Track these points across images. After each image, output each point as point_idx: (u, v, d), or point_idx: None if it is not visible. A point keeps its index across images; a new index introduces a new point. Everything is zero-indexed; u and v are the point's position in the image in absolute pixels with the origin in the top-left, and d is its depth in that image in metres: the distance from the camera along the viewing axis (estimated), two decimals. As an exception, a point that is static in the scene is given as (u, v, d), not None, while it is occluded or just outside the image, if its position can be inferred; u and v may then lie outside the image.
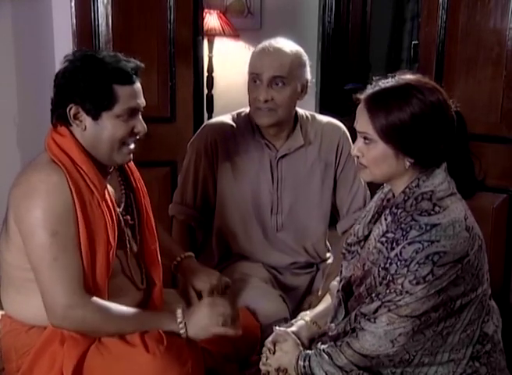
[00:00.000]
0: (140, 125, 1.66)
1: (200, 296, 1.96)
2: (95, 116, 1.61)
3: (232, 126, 2.22)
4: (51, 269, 1.55)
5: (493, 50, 2.60)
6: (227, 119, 2.25)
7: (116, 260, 1.69)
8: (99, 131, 1.62)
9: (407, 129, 1.47)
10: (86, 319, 1.58)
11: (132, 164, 1.84)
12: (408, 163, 1.51)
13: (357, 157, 1.56)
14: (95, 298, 1.59)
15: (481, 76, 2.63)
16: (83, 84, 1.59)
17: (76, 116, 1.61)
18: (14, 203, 1.60)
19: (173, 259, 1.96)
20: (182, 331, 1.64)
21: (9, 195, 1.62)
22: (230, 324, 1.65)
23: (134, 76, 1.63)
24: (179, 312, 1.66)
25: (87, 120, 1.62)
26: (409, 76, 1.54)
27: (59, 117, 1.64)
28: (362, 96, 1.54)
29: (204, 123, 2.37)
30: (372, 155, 1.52)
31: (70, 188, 1.57)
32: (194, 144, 2.25)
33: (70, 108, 1.60)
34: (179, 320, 1.64)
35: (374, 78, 1.56)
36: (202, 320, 1.65)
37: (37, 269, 1.57)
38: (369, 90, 1.54)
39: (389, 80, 1.53)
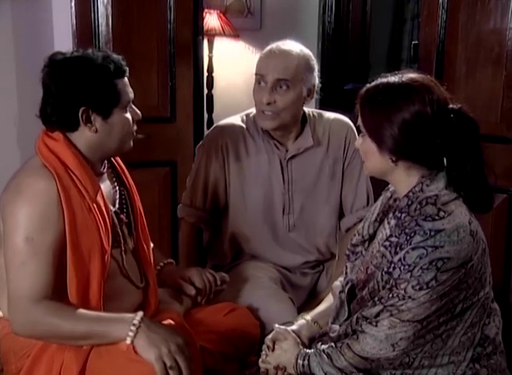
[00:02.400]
0: (137, 111, 1.72)
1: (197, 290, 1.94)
2: (106, 114, 1.63)
3: (242, 127, 2.21)
4: (17, 272, 1.55)
5: (493, 50, 2.60)
6: (237, 120, 2.24)
7: (113, 261, 1.68)
8: (110, 129, 1.64)
9: (392, 133, 1.47)
10: (37, 322, 1.55)
11: (121, 162, 1.84)
12: (390, 160, 1.51)
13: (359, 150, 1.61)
14: (50, 301, 1.56)
15: (481, 76, 2.63)
16: (91, 86, 1.60)
17: (88, 119, 1.62)
18: (2, 207, 1.59)
19: (155, 265, 1.95)
20: (130, 333, 1.54)
21: (0, 200, 1.61)
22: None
23: (127, 69, 1.68)
24: (139, 314, 1.59)
25: (98, 121, 1.63)
26: (410, 75, 1.53)
27: (62, 123, 1.63)
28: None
29: (214, 125, 2.35)
30: (363, 148, 1.57)
31: (59, 194, 1.56)
32: (205, 147, 2.24)
33: (83, 112, 1.61)
34: (134, 322, 1.55)
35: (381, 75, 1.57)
36: (164, 332, 1.57)
37: (6, 272, 1.57)
38: (366, 86, 1.55)
39: (388, 78, 1.54)
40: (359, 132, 1.59)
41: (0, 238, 1.62)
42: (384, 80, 1.53)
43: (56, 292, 1.57)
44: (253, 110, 2.21)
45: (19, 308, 1.55)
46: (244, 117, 2.24)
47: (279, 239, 2.22)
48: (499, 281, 2.65)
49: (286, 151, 2.18)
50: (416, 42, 3.51)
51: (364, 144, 1.55)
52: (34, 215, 1.54)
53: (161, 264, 1.97)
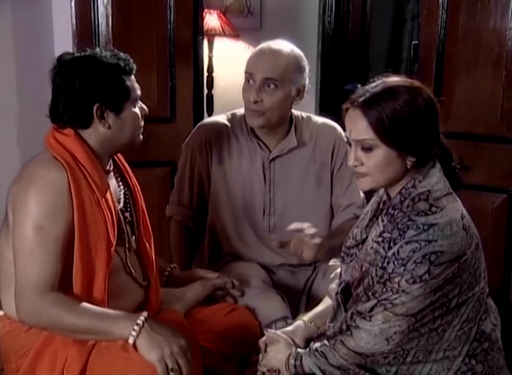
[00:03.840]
0: (144, 107, 1.76)
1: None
2: (118, 110, 1.66)
3: (226, 125, 2.22)
4: (26, 261, 1.56)
5: (493, 50, 2.60)
6: (222, 118, 2.26)
7: (117, 258, 1.69)
8: (121, 124, 1.68)
9: (407, 126, 1.47)
10: (42, 313, 1.56)
11: (125, 162, 1.86)
12: (410, 163, 1.51)
13: (355, 166, 1.54)
14: (57, 293, 1.57)
15: (481, 76, 2.63)
16: (103, 83, 1.62)
17: (101, 115, 1.64)
18: (13, 198, 1.61)
19: (163, 272, 1.99)
20: (133, 333, 1.54)
21: (8, 192, 1.63)
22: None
23: (134, 67, 1.71)
24: (144, 314, 1.59)
25: (110, 117, 1.65)
26: (395, 78, 1.54)
27: (75, 121, 1.64)
28: (354, 104, 1.51)
29: (199, 123, 2.36)
30: (374, 161, 1.50)
31: (70, 185, 1.58)
32: (189, 144, 2.26)
33: (97, 109, 1.63)
34: (137, 321, 1.56)
35: (358, 86, 1.55)
36: (167, 333, 1.57)
37: (15, 260, 1.58)
38: (360, 97, 1.50)
39: (376, 84, 1.52)
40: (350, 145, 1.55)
41: (8, 231, 1.63)
42: (373, 87, 1.52)
43: (62, 284, 1.58)
44: (241, 109, 2.22)
45: (25, 298, 1.56)
46: (230, 115, 2.26)
47: (260, 238, 2.21)
48: (499, 281, 2.65)
49: (270, 151, 2.18)
50: (416, 42, 3.50)
51: (377, 155, 1.49)
52: (45, 203, 1.56)
53: (169, 269, 2.02)
